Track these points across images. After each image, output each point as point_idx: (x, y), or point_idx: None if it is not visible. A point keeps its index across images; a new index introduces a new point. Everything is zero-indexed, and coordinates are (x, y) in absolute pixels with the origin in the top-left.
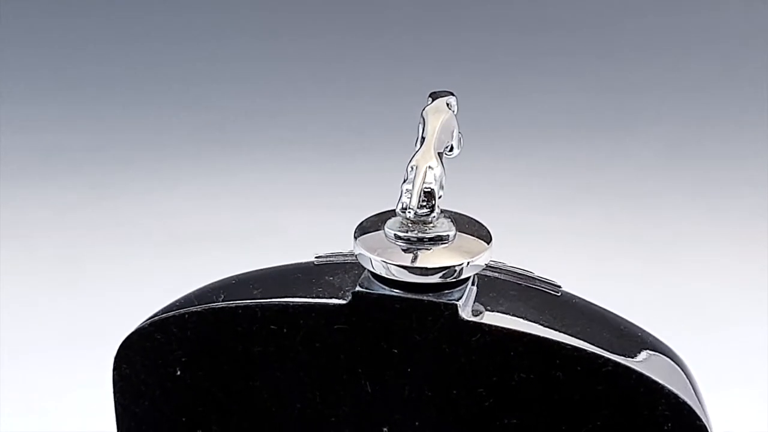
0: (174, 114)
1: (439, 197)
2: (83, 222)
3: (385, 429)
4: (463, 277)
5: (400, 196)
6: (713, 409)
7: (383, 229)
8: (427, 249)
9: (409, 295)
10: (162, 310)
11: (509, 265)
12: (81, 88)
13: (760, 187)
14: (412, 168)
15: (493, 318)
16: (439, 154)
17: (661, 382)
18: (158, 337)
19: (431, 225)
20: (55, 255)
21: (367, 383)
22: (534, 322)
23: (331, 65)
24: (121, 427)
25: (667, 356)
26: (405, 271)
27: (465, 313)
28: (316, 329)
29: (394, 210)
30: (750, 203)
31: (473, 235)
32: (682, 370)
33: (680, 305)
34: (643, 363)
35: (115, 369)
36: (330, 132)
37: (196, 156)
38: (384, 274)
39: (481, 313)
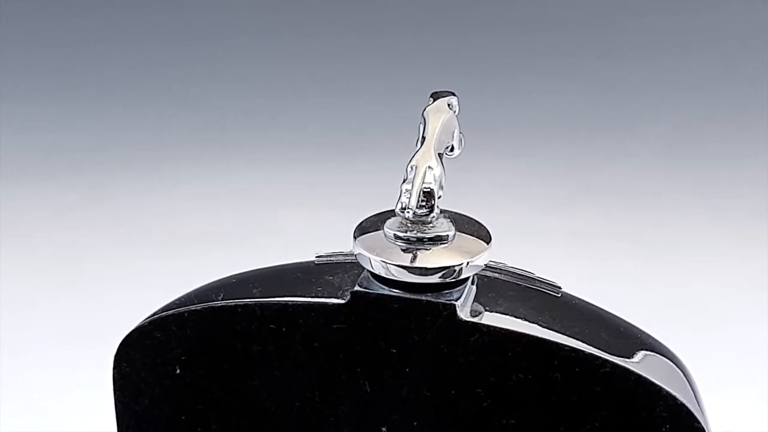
0: (174, 114)
1: (439, 197)
2: (83, 222)
3: (383, 429)
4: (462, 277)
5: (400, 196)
6: (713, 409)
7: (383, 229)
8: (426, 249)
9: (408, 295)
10: (162, 308)
11: (509, 265)
12: (81, 88)
13: (760, 187)
14: (411, 168)
15: (491, 318)
16: (440, 155)
17: (659, 383)
18: (158, 335)
19: (430, 225)
20: (55, 255)
21: (366, 383)
22: (532, 322)
23: (331, 65)
24: (121, 425)
25: (667, 358)
26: (404, 271)
27: (463, 314)
28: (315, 329)
29: (394, 210)
30: (750, 203)
31: (473, 235)
32: (682, 372)
33: (680, 305)
34: (641, 364)
35: (115, 367)
36: (330, 132)
37: (196, 156)
38: (383, 274)
39: (479, 313)
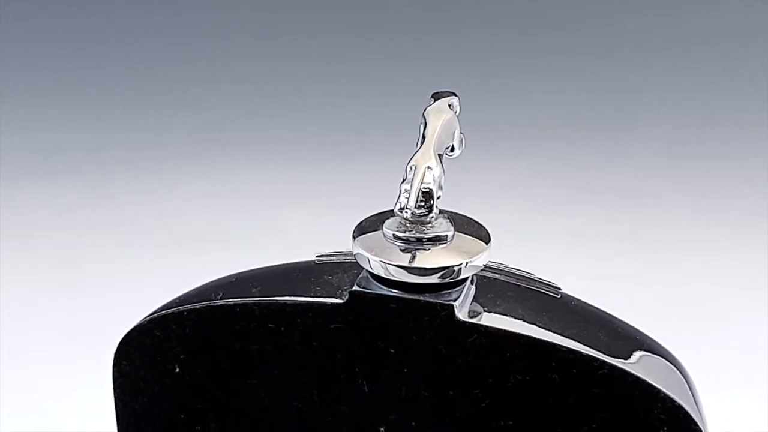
0: (174, 114)
1: (438, 197)
2: (83, 222)
3: (382, 429)
4: (461, 277)
5: (399, 196)
6: (713, 409)
7: (382, 230)
8: (425, 249)
9: (406, 295)
10: (161, 307)
11: (510, 266)
12: (81, 88)
13: (760, 187)
14: (411, 168)
15: (489, 319)
16: (440, 155)
17: (657, 385)
18: (157, 334)
19: (429, 225)
20: (55, 255)
21: (364, 383)
22: (531, 323)
23: (331, 65)
24: (121, 423)
25: (666, 359)
26: (403, 272)
27: (461, 314)
28: (314, 328)
29: (393, 210)
30: (750, 203)
31: (472, 236)
32: (681, 374)
33: (680, 305)
34: (639, 366)
35: (115, 365)
36: (330, 132)
37: (196, 156)
38: (382, 274)
39: (478, 314)
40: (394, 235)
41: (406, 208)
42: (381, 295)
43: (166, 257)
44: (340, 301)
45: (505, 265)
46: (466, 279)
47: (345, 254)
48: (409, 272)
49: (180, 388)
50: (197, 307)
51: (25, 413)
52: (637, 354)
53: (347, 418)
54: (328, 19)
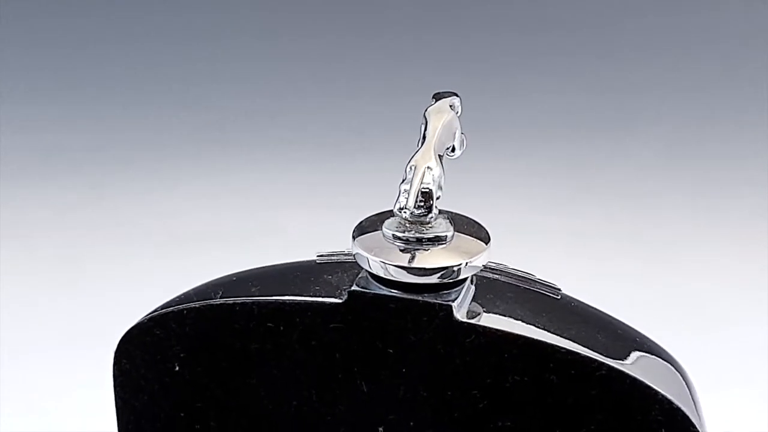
0: (174, 114)
1: (437, 198)
2: (83, 222)
3: (380, 429)
4: (460, 278)
5: (398, 196)
6: (713, 409)
7: (381, 230)
8: (424, 249)
9: (405, 295)
10: (162, 305)
11: (510, 267)
12: (81, 88)
13: (760, 187)
14: (411, 168)
15: (488, 320)
16: (440, 156)
17: (654, 387)
18: (157, 332)
19: (429, 225)
20: (55, 255)
21: (363, 383)
22: (530, 324)
23: (331, 65)
24: (121, 421)
25: (665, 361)
26: (402, 272)
27: (460, 314)
28: (313, 328)
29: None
30: (750, 203)
31: (471, 236)
32: (680, 375)
33: (680, 305)
34: (638, 367)
35: (115, 363)
36: (330, 132)
37: (196, 156)
38: (381, 274)
39: (477, 314)
40: (393, 235)
41: (405, 208)
42: (380, 295)
43: (166, 257)
44: (339, 301)
45: (506, 266)
46: (465, 279)
47: (346, 254)
48: (408, 272)
49: (180, 387)
50: (197, 305)
51: (25, 413)
52: (636, 355)
53: (346, 417)
54: (328, 19)
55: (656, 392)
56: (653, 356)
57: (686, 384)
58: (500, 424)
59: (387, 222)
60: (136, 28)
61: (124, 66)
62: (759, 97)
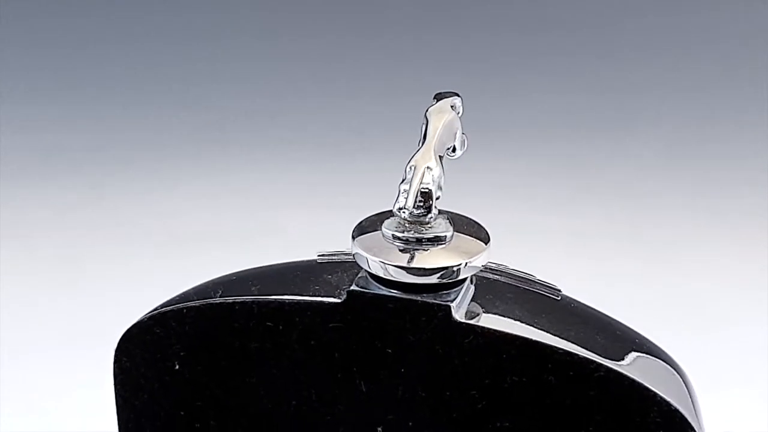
0: (174, 114)
1: (437, 198)
2: (83, 222)
3: (379, 429)
4: (460, 278)
5: (398, 196)
6: (713, 409)
7: (381, 230)
8: (424, 250)
9: (404, 295)
10: (162, 304)
11: (511, 267)
12: (81, 88)
13: (760, 187)
14: (410, 168)
15: (487, 320)
16: (440, 156)
17: (653, 389)
18: (157, 330)
19: (428, 225)
20: (55, 255)
21: (362, 382)
22: (528, 325)
23: (331, 65)
24: (122, 419)
25: (665, 362)
26: (401, 272)
27: (458, 315)
28: (312, 327)
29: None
30: (750, 203)
31: (471, 236)
32: (679, 377)
33: (680, 305)
34: (636, 369)
35: (115, 362)
36: (330, 132)
37: (196, 156)
38: (380, 274)
39: (476, 315)
40: (393, 235)
41: (405, 208)
42: (379, 295)
43: (166, 257)
44: (338, 301)
45: (506, 267)
46: (464, 280)
47: (347, 254)
48: (407, 272)
49: (180, 386)
50: (197, 304)
51: (25, 413)
52: (635, 357)
53: (345, 417)
54: (328, 19)
55: (655, 394)
56: (653, 358)
57: (686, 386)
58: (499, 424)
59: (386, 222)
60: (136, 28)
61: (124, 66)
62: (759, 97)
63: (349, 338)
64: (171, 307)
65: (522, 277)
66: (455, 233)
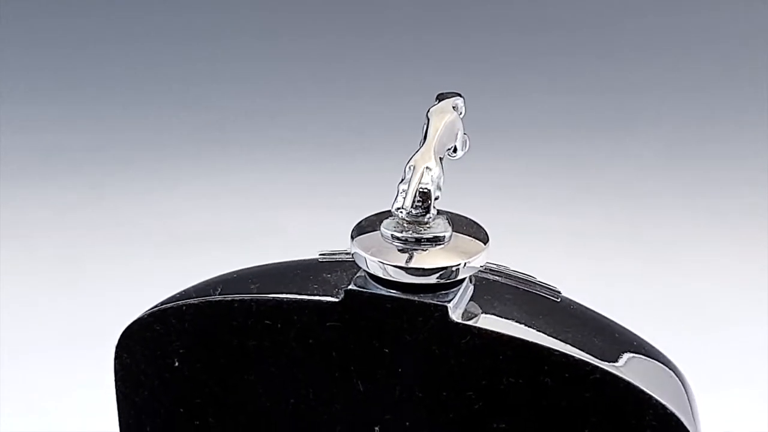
0: (174, 114)
1: (436, 198)
2: (83, 222)
3: (376, 428)
4: (459, 278)
5: (396, 196)
6: (713, 409)
7: (380, 230)
8: (422, 250)
9: (401, 295)
10: (162, 301)
11: (511, 269)
12: (81, 88)
13: (760, 187)
14: (410, 168)
15: (484, 321)
16: (441, 157)
17: (649, 392)
18: (157, 327)
19: (427, 225)
20: (55, 255)
21: (359, 382)
22: (526, 326)
23: (331, 65)
24: (122, 415)
25: (663, 365)
26: (399, 271)
27: (455, 315)
28: (310, 326)
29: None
30: (750, 203)
31: (470, 236)
32: (678, 379)
33: (680, 305)
34: (633, 372)
35: (116, 358)
36: (330, 132)
37: (196, 156)
38: (379, 274)
39: (473, 315)
40: (391, 235)
41: (402, 208)
42: (376, 294)
43: (166, 257)
44: (336, 300)
45: (507, 268)
46: (462, 280)
47: (348, 253)
48: (406, 272)
49: (179, 383)
50: (196, 302)
51: (25, 413)
52: (633, 359)
53: (342, 416)
54: (328, 19)
55: (650, 397)
56: (650, 360)
57: (684, 389)
58: (495, 425)
59: (385, 222)
60: (136, 28)
61: (124, 66)
62: (759, 97)
63: (346, 337)
64: (171, 304)
65: (522, 279)
66: (454, 233)
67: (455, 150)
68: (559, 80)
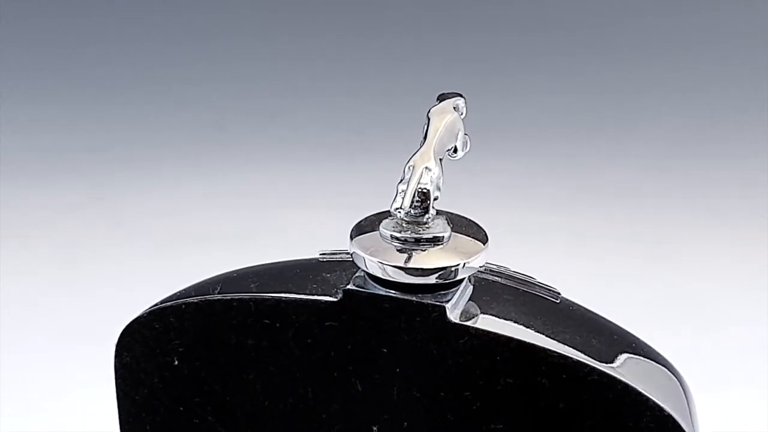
0: (174, 114)
1: (435, 198)
2: (83, 222)
3: (374, 428)
4: (458, 278)
5: (395, 196)
6: (712, 409)
7: (379, 230)
8: (421, 250)
9: (399, 295)
10: (162, 300)
11: (511, 269)
12: (81, 88)
13: (760, 187)
14: (409, 168)
15: (482, 321)
16: (441, 157)
17: (646, 393)
18: (157, 326)
19: (426, 226)
20: (55, 255)
21: (357, 382)
22: (524, 327)
23: (331, 65)
24: (122, 413)
25: (662, 366)
26: (398, 272)
27: (453, 315)
28: (308, 325)
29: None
30: (750, 203)
31: (469, 237)
32: (677, 381)
33: (680, 305)
34: (631, 373)
35: (116, 356)
36: (330, 132)
37: (196, 156)
38: (378, 274)
39: (471, 316)
40: (390, 235)
41: (401, 208)
42: (374, 294)
43: (166, 257)
44: (334, 300)
45: (507, 269)
46: (460, 280)
47: (348, 253)
48: (405, 273)
49: (179, 381)
50: (195, 300)
51: (25, 413)
52: (631, 361)
53: (341, 416)
54: (328, 19)
55: (647, 398)
56: (649, 362)
57: (682, 390)
58: (492, 426)
59: (384, 222)
60: (136, 28)
61: (124, 66)
62: (759, 97)
63: (344, 337)
64: (170, 303)
65: (521, 279)
66: (453, 233)
67: (456, 150)
68: (559, 80)
